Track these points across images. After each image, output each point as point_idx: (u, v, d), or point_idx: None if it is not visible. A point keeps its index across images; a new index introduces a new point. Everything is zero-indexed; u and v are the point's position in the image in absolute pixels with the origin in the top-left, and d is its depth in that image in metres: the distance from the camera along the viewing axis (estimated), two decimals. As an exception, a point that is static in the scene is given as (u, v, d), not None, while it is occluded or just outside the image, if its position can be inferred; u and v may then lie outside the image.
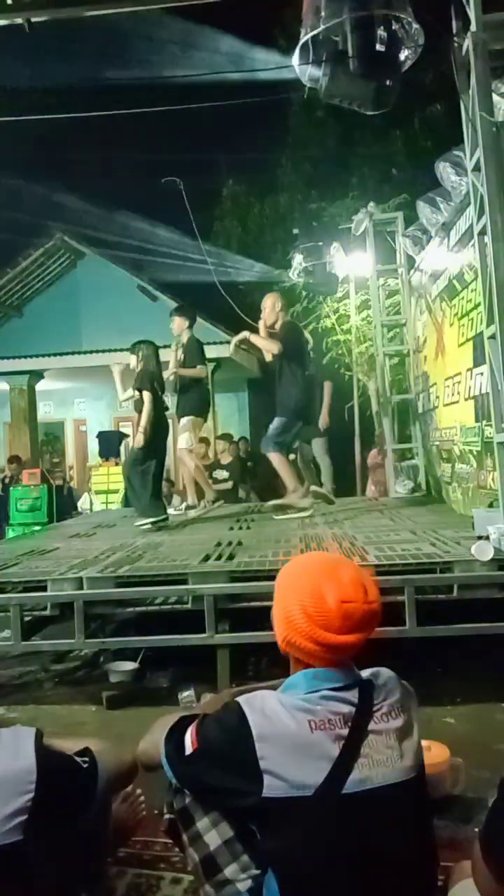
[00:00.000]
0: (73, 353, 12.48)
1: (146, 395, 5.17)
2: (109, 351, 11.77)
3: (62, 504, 9.89)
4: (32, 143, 12.74)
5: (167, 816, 1.53)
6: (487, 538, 3.36)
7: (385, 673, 1.45)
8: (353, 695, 1.36)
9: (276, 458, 5.30)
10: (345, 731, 1.31)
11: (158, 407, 5.25)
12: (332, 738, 1.30)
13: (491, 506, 3.97)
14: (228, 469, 9.15)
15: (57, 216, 13.59)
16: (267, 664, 3.53)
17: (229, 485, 8.92)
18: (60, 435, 15.78)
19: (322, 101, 4.14)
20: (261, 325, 5.41)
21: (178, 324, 6.08)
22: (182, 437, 6.00)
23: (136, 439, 5.27)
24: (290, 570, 1.48)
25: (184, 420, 5.97)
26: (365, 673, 1.43)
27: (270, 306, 5.44)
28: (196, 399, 6.04)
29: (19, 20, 3.93)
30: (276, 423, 5.31)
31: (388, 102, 3.84)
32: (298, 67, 3.93)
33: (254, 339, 5.38)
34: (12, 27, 3.96)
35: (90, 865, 1.65)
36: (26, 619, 3.53)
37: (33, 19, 3.94)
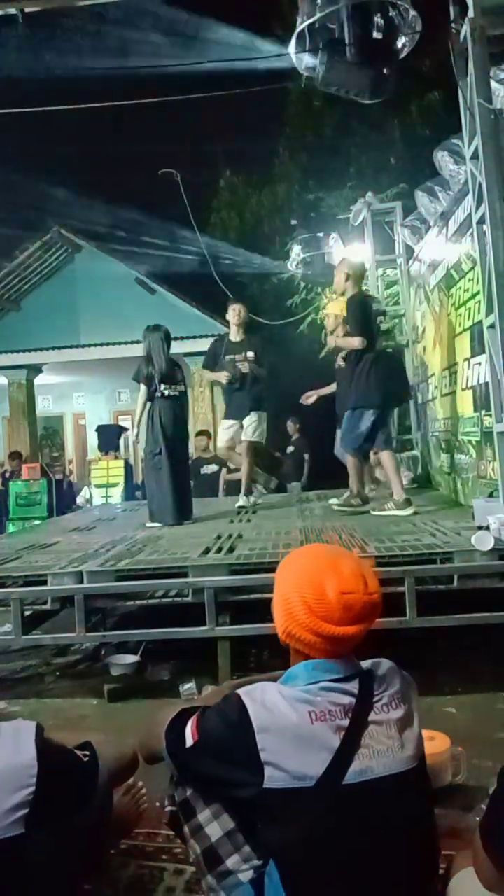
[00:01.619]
0: (71, 347, 12.46)
1: (141, 388, 5.02)
2: (108, 345, 11.78)
3: (62, 498, 9.89)
4: (28, 135, 12.68)
5: (169, 808, 1.53)
6: (487, 528, 3.35)
7: (385, 663, 1.45)
8: (353, 686, 1.36)
9: (349, 462, 4.97)
10: (345, 722, 1.32)
11: (168, 402, 5.01)
12: (332, 728, 1.30)
13: (491, 496, 3.97)
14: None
15: (54, 209, 13.55)
16: (268, 656, 3.54)
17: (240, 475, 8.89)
18: (59, 429, 15.78)
19: (319, 91, 4.11)
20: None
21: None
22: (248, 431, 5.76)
23: (147, 430, 5.03)
24: (290, 562, 1.48)
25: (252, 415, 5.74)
26: (365, 664, 1.43)
27: (340, 276, 5.03)
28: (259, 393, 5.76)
29: (12, 10, 3.90)
30: (345, 417, 4.86)
31: (385, 90, 3.81)
32: (295, 56, 3.90)
33: (338, 342, 4.96)
34: (6, 17, 3.92)
35: (92, 858, 1.66)
36: (27, 613, 3.53)
37: (27, 9, 3.91)
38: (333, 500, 5.23)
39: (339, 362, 5.31)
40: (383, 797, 1.30)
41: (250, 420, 5.74)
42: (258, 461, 6.53)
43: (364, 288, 5.38)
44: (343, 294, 5.09)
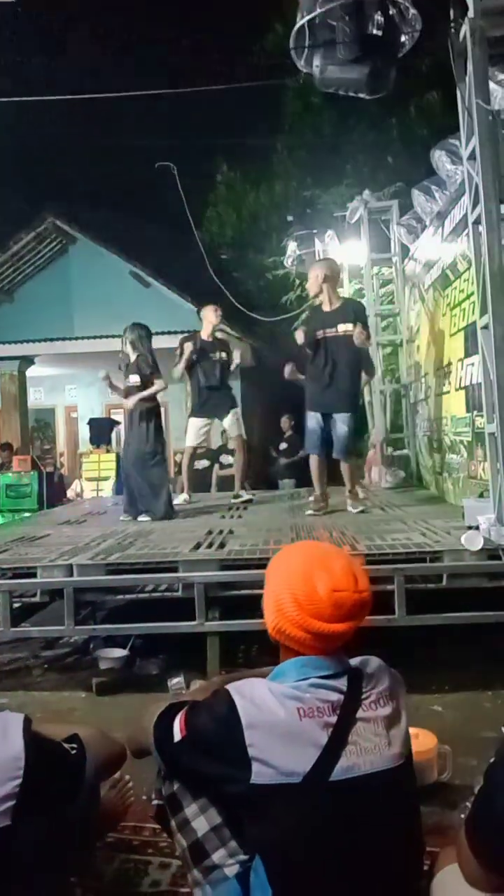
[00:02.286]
0: (64, 339, 12.39)
1: (159, 380, 5.06)
2: (101, 337, 11.71)
3: (52, 491, 9.86)
4: (24, 125, 12.58)
5: (156, 802, 1.54)
6: (477, 528, 3.37)
7: (374, 661, 1.46)
8: (341, 683, 1.37)
9: (349, 464, 5.02)
10: (333, 719, 1.32)
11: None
12: (320, 725, 1.31)
13: (481, 496, 3.99)
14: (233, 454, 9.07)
15: (49, 200, 13.46)
16: (256, 652, 3.54)
17: (232, 471, 8.87)
18: (51, 421, 15.70)
19: (318, 87, 4.10)
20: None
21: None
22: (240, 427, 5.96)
23: (148, 426, 5.05)
24: (281, 559, 1.48)
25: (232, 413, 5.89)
26: (354, 661, 1.44)
27: (318, 276, 4.92)
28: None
29: (10, -2, 3.87)
30: (348, 423, 4.87)
31: (384, 88, 3.80)
32: (294, 52, 3.88)
33: (365, 342, 4.86)
34: (3, 6, 3.89)
35: (79, 851, 1.66)
36: (16, 605, 3.53)
37: (25, -2, 3.87)
38: (349, 508, 5.05)
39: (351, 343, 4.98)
40: (370, 794, 1.31)
41: (233, 417, 5.86)
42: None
43: (359, 287, 5.37)
44: (317, 296, 4.99)
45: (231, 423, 5.90)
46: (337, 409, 4.87)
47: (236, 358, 5.82)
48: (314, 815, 1.28)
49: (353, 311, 4.95)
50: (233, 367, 5.84)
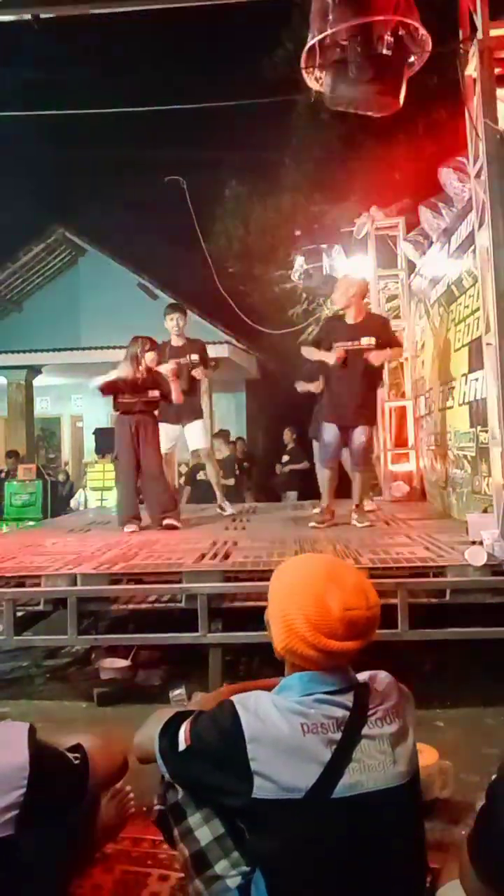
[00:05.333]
0: (71, 350, 12.47)
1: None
2: (108, 348, 11.80)
3: (57, 500, 9.88)
4: (35, 138, 12.73)
5: (157, 807, 1.53)
6: (481, 543, 3.37)
7: (382, 676, 1.45)
8: (347, 698, 1.36)
9: (360, 480, 5.07)
10: (337, 736, 1.31)
11: None
12: (324, 742, 1.30)
13: (485, 511, 3.99)
14: (224, 467, 9.02)
15: (59, 212, 13.60)
16: (258, 664, 3.54)
17: (231, 481, 8.84)
18: (56, 431, 15.75)
19: (328, 106, 4.15)
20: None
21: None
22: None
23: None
24: (288, 575, 1.45)
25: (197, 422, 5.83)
26: (362, 676, 1.42)
27: (348, 292, 4.92)
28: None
29: (27, 16, 3.94)
30: (366, 435, 4.94)
31: (393, 108, 3.85)
32: (305, 71, 3.94)
33: (383, 357, 4.90)
34: (20, 23, 3.96)
35: (79, 861, 1.66)
36: (19, 614, 3.53)
37: (41, 15, 3.95)
38: (354, 522, 4.99)
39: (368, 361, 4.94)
40: (373, 811, 1.30)
41: (200, 427, 5.74)
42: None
43: (365, 302, 5.40)
44: (344, 308, 5.00)
45: (195, 434, 5.74)
46: (357, 422, 4.89)
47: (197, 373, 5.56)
48: (315, 831, 1.28)
49: (380, 325, 5.00)
50: (197, 373, 5.57)
